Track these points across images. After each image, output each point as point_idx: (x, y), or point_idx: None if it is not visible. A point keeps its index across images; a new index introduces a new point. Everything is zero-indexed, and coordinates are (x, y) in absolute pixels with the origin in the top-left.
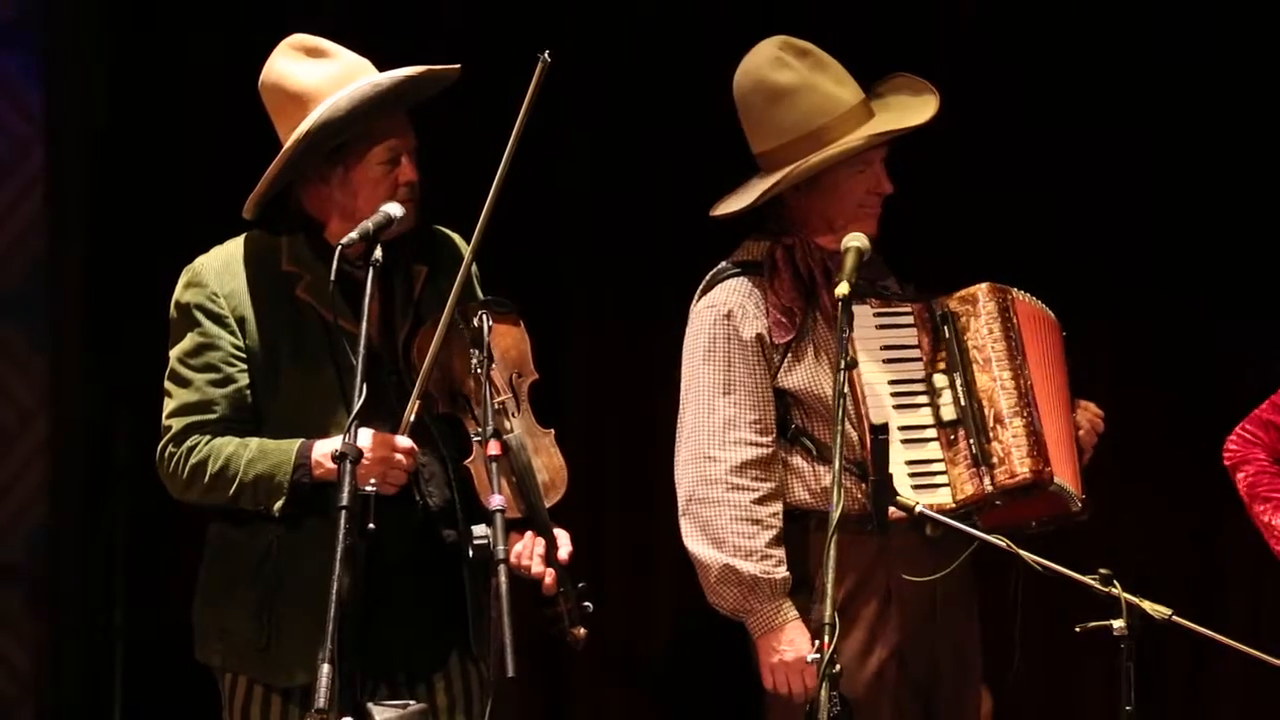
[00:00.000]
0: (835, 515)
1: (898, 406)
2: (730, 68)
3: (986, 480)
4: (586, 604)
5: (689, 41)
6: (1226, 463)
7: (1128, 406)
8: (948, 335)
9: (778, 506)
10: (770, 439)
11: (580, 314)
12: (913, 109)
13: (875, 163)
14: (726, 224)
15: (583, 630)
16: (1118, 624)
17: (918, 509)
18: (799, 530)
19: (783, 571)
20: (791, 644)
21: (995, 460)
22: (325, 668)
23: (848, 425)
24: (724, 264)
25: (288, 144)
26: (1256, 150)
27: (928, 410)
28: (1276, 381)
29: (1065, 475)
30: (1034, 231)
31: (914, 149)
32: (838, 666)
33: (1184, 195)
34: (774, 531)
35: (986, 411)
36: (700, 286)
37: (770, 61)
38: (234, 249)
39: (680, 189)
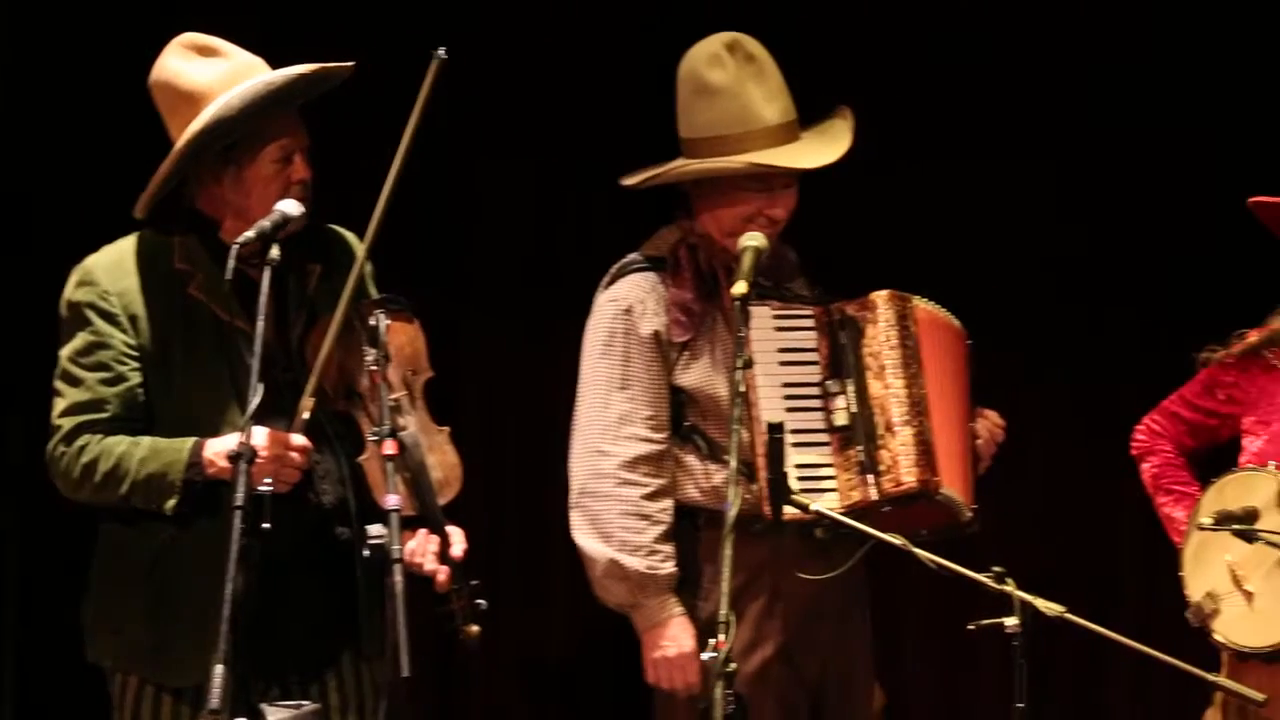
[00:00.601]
0: (732, 515)
1: (791, 409)
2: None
3: (873, 487)
4: (480, 601)
5: (574, 37)
6: (1133, 452)
7: (1022, 405)
8: (844, 341)
9: (668, 503)
10: (663, 436)
11: (477, 311)
12: (817, 152)
13: (776, 187)
14: (626, 216)
15: (476, 628)
16: (1010, 622)
17: (813, 508)
18: (688, 527)
19: (669, 567)
20: (675, 640)
21: (883, 468)
22: (219, 668)
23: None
24: (633, 255)
25: (178, 144)
26: (1133, 147)
27: (820, 415)
28: (1172, 375)
29: (954, 485)
30: (937, 234)
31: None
32: (733, 665)
33: (1074, 191)
34: (662, 527)
35: (878, 419)
36: (608, 275)
37: (709, 56)
38: (125, 248)
39: (577, 182)
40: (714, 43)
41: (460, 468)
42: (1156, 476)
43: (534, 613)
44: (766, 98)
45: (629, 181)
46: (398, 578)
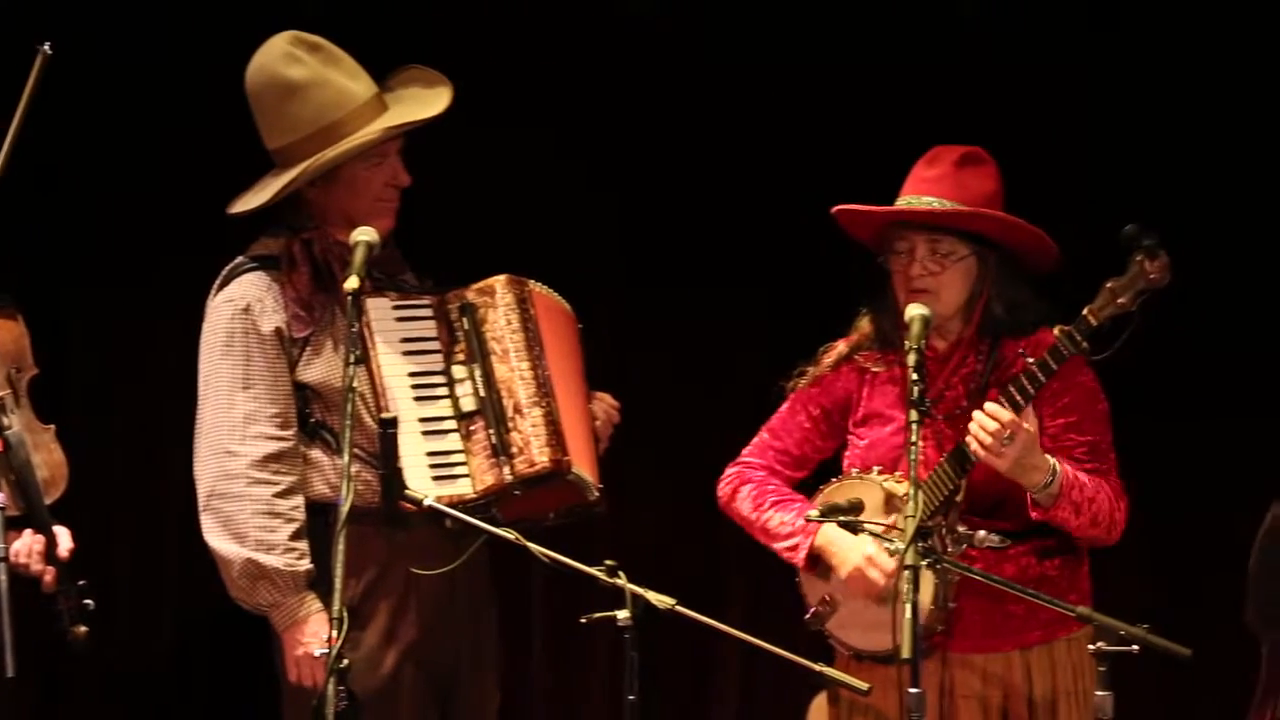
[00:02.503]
0: (345, 510)
1: (418, 398)
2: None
3: (506, 470)
4: (87, 601)
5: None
6: (721, 498)
7: (637, 398)
8: (466, 327)
9: (299, 500)
10: (291, 433)
11: (83, 309)
12: (426, 101)
13: (391, 155)
14: (240, 221)
15: (84, 628)
16: (622, 614)
17: (426, 502)
18: (320, 524)
19: (305, 564)
20: (315, 636)
21: (515, 450)
22: None
23: (368, 418)
24: (240, 259)
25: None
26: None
27: (448, 402)
28: (777, 364)
29: (583, 465)
30: (554, 226)
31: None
32: (345, 661)
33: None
34: (296, 525)
35: (506, 402)
36: (217, 280)
37: (282, 57)
38: None
39: (179, 186)
40: (278, 45)
41: (66, 466)
42: (755, 497)
43: (141, 613)
44: (350, 77)
45: (240, 209)
46: (2, 578)
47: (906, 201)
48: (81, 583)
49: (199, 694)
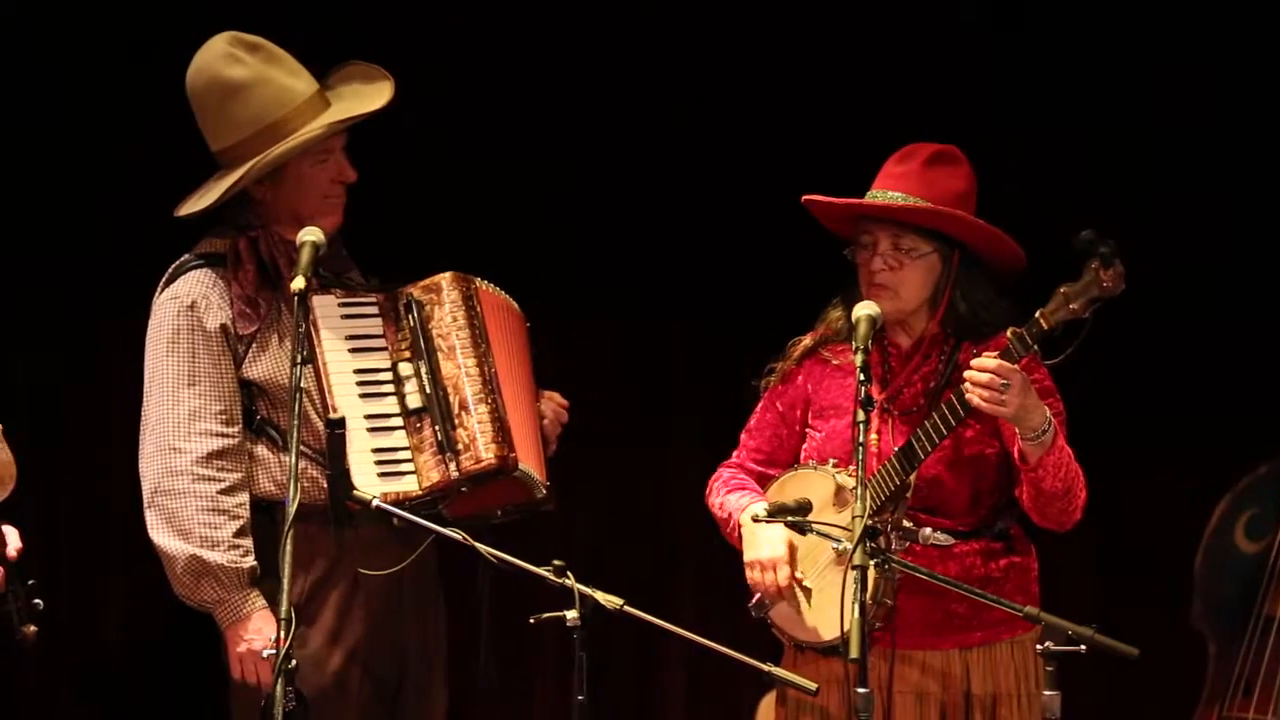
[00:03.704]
0: (292, 509)
1: (364, 395)
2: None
3: (452, 466)
4: (37, 601)
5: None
6: (709, 502)
7: (587, 399)
8: (412, 323)
9: (244, 497)
10: (236, 430)
11: (29, 308)
12: (367, 96)
13: (336, 151)
14: (187, 223)
15: (33, 627)
16: (571, 614)
17: (374, 503)
18: (266, 521)
19: (250, 561)
20: (259, 633)
21: (461, 447)
22: None
23: (314, 416)
24: (186, 256)
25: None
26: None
27: (394, 399)
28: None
29: (530, 462)
30: (503, 225)
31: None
32: (294, 661)
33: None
34: (241, 522)
35: (452, 399)
36: (163, 278)
37: (222, 57)
38: None
39: (127, 185)
40: (218, 45)
41: (14, 465)
42: (717, 490)
43: (88, 611)
44: (291, 74)
45: (185, 211)
46: None
47: (873, 196)
48: (30, 582)
49: (148, 693)
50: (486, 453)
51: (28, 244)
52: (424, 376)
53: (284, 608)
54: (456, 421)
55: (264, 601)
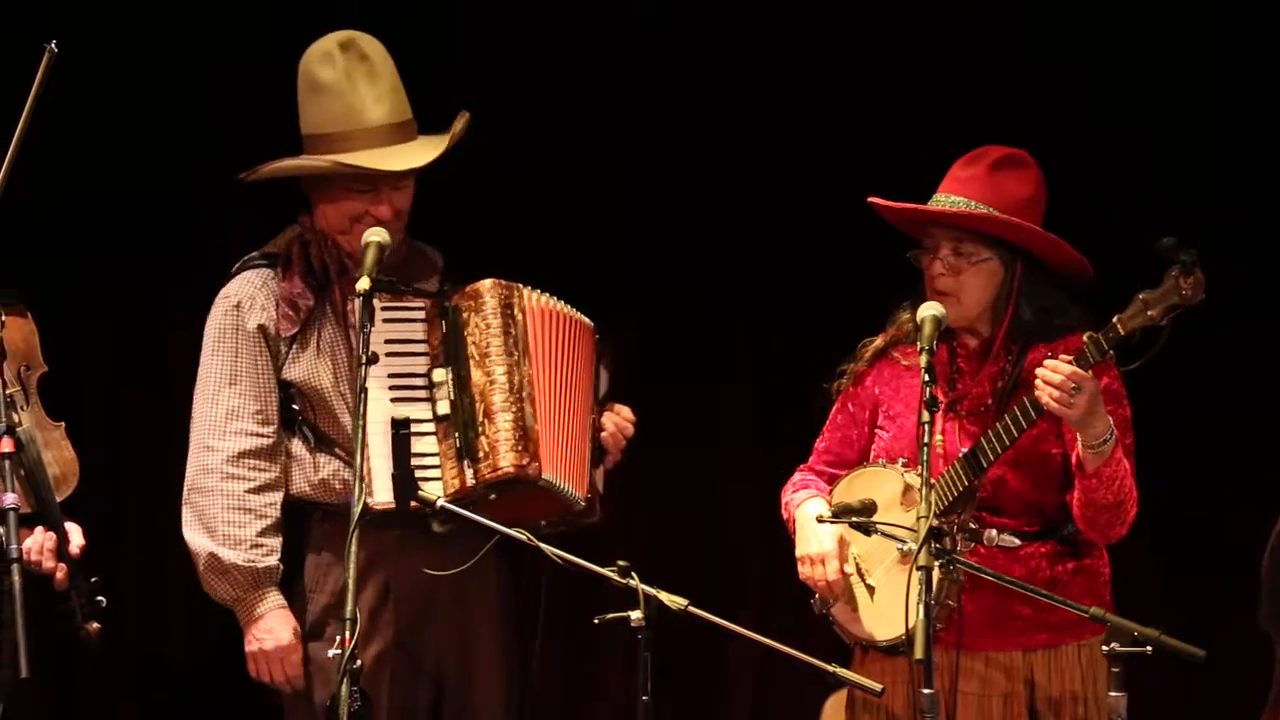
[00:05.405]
0: (356, 510)
1: (396, 400)
2: None
3: (470, 474)
4: (100, 599)
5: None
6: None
7: (649, 403)
8: (446, 330)
9: (275, 497)
10: (271, 429)
11: (95, 305)
12: (414, 155)
13: (383, 187)
14: (249, 222)
15: (97, 625)
16: (635, 615)
17: (439, 503)
18: (299, 520)
19: (270, 561)
20: (271, 632)
21: (481, 454)
22: None
23: (346, 419)
24: (253, 254)
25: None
26: (759, 153)
27: (427, 405)
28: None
29: (557, 472)
30: (565, 232)
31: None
32: (359, 662)
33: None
34: (267, 521)
35: (477, 405)
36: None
37: (322, 54)
38: None
39: (193, 185)
40: (329, 41)
41: (77, 463)
42: (789, 493)
43: (153, 609)
44: (376, 98)
45: (246, 176)
46: (16, 579)
47: (937, 200)
48: (94, 580)
49: (209, 692)
50: (504, 461)
51: (91, 242)
52: (453, 384)
53: (349, 607)
54: (480, 429)
55: (281, 601)
